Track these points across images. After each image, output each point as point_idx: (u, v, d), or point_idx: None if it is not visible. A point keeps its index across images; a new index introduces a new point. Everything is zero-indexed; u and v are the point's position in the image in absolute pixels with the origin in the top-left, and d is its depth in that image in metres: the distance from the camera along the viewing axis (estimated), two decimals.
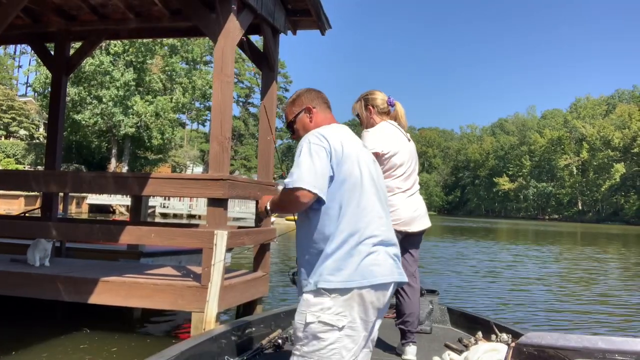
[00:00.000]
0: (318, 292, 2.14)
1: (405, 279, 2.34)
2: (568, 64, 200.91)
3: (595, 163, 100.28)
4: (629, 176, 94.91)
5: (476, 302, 9.79)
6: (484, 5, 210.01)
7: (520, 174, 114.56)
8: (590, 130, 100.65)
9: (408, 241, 3.93)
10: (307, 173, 2.15)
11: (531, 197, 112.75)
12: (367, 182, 2.27)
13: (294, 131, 2.52)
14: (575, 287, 12.87)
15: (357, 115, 4.09)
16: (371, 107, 3.99)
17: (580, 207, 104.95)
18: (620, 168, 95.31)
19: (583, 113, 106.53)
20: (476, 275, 14.12)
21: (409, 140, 4.03)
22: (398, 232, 3.81)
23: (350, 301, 2.13)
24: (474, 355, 3.54)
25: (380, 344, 4.23)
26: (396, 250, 2.32)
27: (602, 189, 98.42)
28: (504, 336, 4.13)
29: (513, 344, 2.18)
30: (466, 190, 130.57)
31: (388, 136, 3.87)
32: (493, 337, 4.22)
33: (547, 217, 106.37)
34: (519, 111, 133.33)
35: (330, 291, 2.13)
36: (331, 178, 2.20)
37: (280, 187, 2.45)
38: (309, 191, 2.13)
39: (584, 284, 13.55)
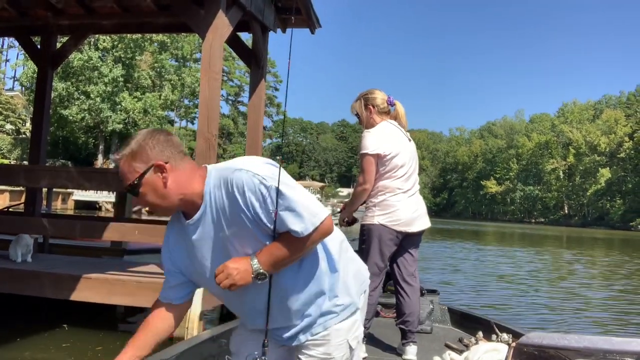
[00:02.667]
0: (352, 311, 1.93)
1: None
2: (557, 68, 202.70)
3: (581, 167, 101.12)
4: (614, 181, 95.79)
5: (476, 302, 9.82)
6: (474, 10, 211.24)
7: (507, 177, 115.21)
8: (577, 135, 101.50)
9: (408, 241, 3.92)
10: (312, 202, 1.76)
11: (518, 200, 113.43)
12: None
13: (139, 195, 1.78)
14: (575, 287, 12.95)
15: (357, 114, 4.05)
16: (371, 107, 3.96)
17: (566, 211, 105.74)
18: (606, 173, 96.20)
19: (570, 118, 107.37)
20: (476, 276, 14.19)
21: (410, 140, 4.01)
22: (398, 232, 3.81)
23: (364, 307, 2.06)
24: (474, 355, 3.54)
25: (381, 344, 4.23)
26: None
27: (588, 194, 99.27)
28: (505, 336, 4.13)
29: (514, 344, 2.17)
30: (454, 193, 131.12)
31: (389, 137, 3.84)
32: (494, 337, 4.23)
33: (533, 220, 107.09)
34: (508, 115, 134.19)
35: (357, 309, 1.96)
36: None
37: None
38: (330, 214, 1.79)
39: (584, 283, 13.65)
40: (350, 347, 1.91)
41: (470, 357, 3.57)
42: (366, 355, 3.87)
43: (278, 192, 1.69)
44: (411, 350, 3.91)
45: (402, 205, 3.82)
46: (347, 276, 1.94)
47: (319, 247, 1.86)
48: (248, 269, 1.74)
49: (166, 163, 1.76)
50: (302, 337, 1.89)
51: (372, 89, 4.06)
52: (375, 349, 4.12)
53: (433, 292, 5.23)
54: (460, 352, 4.00)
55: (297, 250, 1.76)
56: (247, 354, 1.90)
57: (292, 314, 1.87)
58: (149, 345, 1.93)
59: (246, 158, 1.84)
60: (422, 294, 4.97)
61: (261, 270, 1.75)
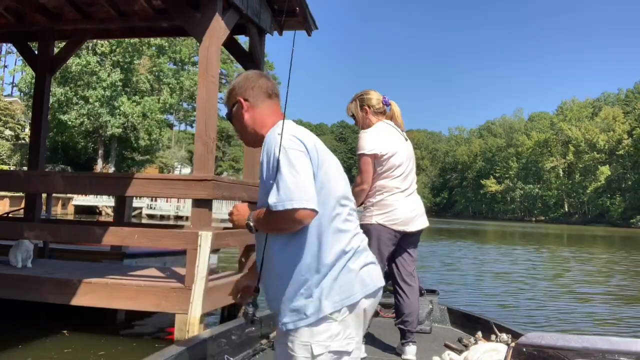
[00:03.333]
0: (322, 319, 1.91)
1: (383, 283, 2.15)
2: (555, 67, 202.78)
3: (581, 165, 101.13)
4: (614, 178, 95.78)
5: (476, 302, 9.82)
6: (472, 10, 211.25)
7: (507, 176, 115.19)
8: (577, 133, 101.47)
9: (406, 241, 3.93)
10: (298, 188, 1.83)
11: (518, 199, 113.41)
12: (340, 188, 2.04)
13: (233, 123, 2.21)
14: (575, 287, 12.94)
15: (352, 115, 4.06)
16: (367, 107, 3.97)
17: (566, 209, 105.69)
18: (605, 170, 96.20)
19: (569, 116, 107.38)
20: (476, 276, 14.18)
21: (406, 139, 4.02)
22: (396, 232, 3.81)
23: (357, 317, 1.97)
24: (473, 355, 3.54)
25: (380, 344, 4.24)
26: (372, 256, 2.12)
27: (588, 191, 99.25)
28: (504, 336, 4.15)
29: (513, 344, 2.17)
30: (454, 192, 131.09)
31: (385, 137, 3.85)
32: (493, 337, 4.24)
33: (533, 219, 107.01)
34: (507, 114, 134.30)
35: (337, 313, 1.92)
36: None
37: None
38: (311, 210, 1.82)
39: (585, 283, 13.65)
40: (313, 352, 1.90)
41: (469, 357, 3.57)
42: (366, 355, 3.87)
43: (279, 164, 1.87)
44: (410, 350, 3.91)
45: (400, 205, 3.83)
46: (333, 283, 1.93)
47: (314, 242, 1.92)
48: (245, 215, 2.02)
49: (245, 100, 2.12)
50: (280, 324, 1.99)
51: (367, 90, 4.07)
52: (374, 349, 4.13)
53: (432, 292, 5.24)
54: (459, 352, 4.00)
55: (267, 220, 1.91)
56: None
57: (271, 289, 2.01)
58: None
59: (293, 127, 2.01)
60: (421, 294, 4.96)
61: (250, 222, 1.99)
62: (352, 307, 1.94)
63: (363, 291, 1.97)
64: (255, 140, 2.15)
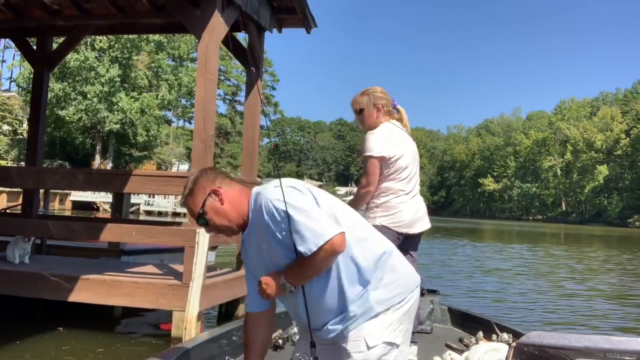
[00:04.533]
0: (374, 316, 2.04)
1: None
2: (553, 66, 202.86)
3: (578, 164, 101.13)
4: (611, 178, 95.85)
5: (476, 302, 9.83)
6: (471, 8, 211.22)
7: (505, 174, 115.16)
8: (574, 132, 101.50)
9: (407, 242, 3.90)
10: (319, 223, 1.93)
11: (515, 197, 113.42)
12: (343, 210, 2.13)
13: (208, 223, 2.12)
14: (574, 287, 12.97)
15: (359, 110, 3.93)
16: (379, 106, 3.90)
17: (564, 208, 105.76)
18: (603, 170, 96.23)
19: (567, 115, 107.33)
20: (476, 276, 14.18)
21: (412, 140, 3.98)
22: (399, 234, 3.78)
23: (405, 313, 2.10)
24: (474, 355, 3.54)
25: None
26: (400, 253, 2.25)
27: (586, 191, 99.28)
28: (505, 336, 4.14)
29: (514, 344, 2.18)
30: (452, 191, 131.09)
31: (393, 138, 3.80)
32: (494, 336, 4.23)
33: (531, 217, 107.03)
34: (505, 112, 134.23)
35: (388, 309, 2.06)
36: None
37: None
38: (341, 234, 1.93)
39: (583, 283, 13.69)
40: (367, 344, 2.02)
41: (470, 357, 3.57)
42: None
43: (289, 216, 1.93)
44: (411, 351, 3.86)
45: (405, 207, 3.80)
46: (377, 284, 2.05)
47: (349, 261, 2.03)
48: (277, 282, 2.03)
49: (219, 188, 2.09)
50: (330, 333, 2.09)
51: (375, 87, 3.98)
52: None
53: (433, 292, 5.23)
54: (460, 352, 4.00)
55: (310, 267, 1.98)
56: (298, 353, 2.13)
57: (323, 316, 2.08)
58: (262, 355, 2.21)
59: (273, 183, 2.06)
60: (422, 294, 4.95)
61: (287, 283, 2.02)
62: (400, 303, 2.07)
63: (406, 289, 2.10)
64: (239, 222, 2.12)
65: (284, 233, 1.96)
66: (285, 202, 1.93)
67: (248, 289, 2.22)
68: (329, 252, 1.93)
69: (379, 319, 2.04)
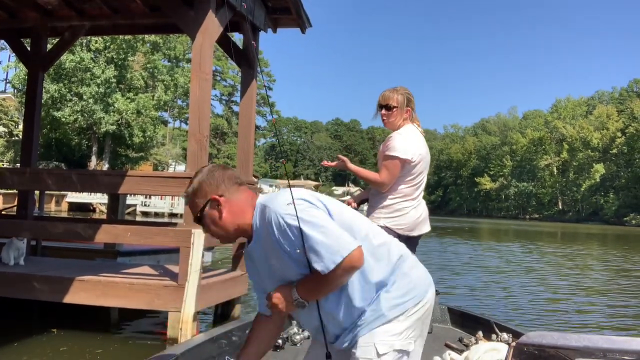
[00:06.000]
0: (386, 322, 2.00)
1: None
2: (549, 65, 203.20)
3: (575, 163, 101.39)
4: (607, 176, 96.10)
5: (476, 302, 9.82)
6: (466, 7, 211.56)
7: (501, 173, 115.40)
8: (571, 131, 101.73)
9: (407, 244, 3.90)
10: (335, 239, 1.85)
11: (512, 196, 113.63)
12: (358, 219, 2.08)
13: (204, 227, 2.08)
14: (574, 286, 12.99)
15: (391, 107, 3.84)
16: (410, 109, 3.87)
17: (560, 207, 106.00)
18: (599, 168, 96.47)
19: (563, 114, 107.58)
20: (476, 276, 14.18)
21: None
22: (400, 236, 3.76)
23: (417, 319, 2.07)
24: (474, 355, 3.53)
25: None
26: (415, 258, 2.22)
27: (582, 189, 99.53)
28: (505, 336, 4.13)
29: (514, 344, 2.17)
30: (448, 190, 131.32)
31: (418, 143, 3.79)
32: (494, 336, 4.22)
33: (527, 216, 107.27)
34: (501, 111, 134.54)
35: (400, 316, 2.01)
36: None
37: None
38: (358, 248, 1.86)
39: (583, 283, 13.70)
40: (378, 351, 1.96)
41: (470, 357, 3.57)
42: None
43: (302, 233, 1.84)
44: None
45: (410, 211, 3.80)
46: (390, 289, 2.02)
47: (365, 270, 1.96)
48: (289, 298, 1.95)
49: (220, 197, 1.99)
50: (344, 343, 2.05)
51: (407, 89, 3.94)
52: None
53: None
54: (460, 351, 3.99)
55: (326, 284, 1.91)
56: None
57: (337, 327, 2.04)
58: (260, 355, 2.18)
59: (281, 195, 1.95)
60: None
61: (300, 300, 1.95)
62: (412, 309, 2.03)
63: (420, 294, 2.06)
64: (236, 234, 2.05)
65: (297, 251, 1.87)
66: (297, 218, 1.83)
67: (257, 292, 2.18)
68: (347, 269, 1.86)
69: (391, 325, 1.99)
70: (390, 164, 3.72)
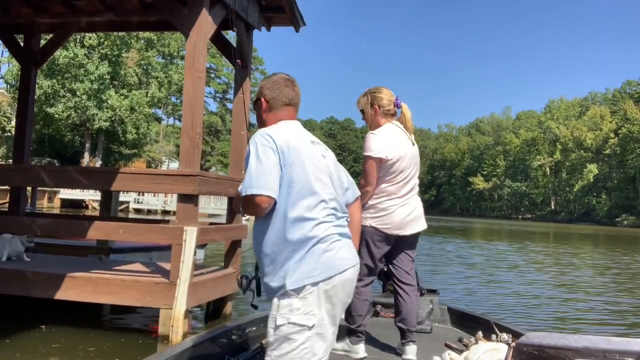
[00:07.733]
0: (286, 294, 2.14)
1: (357, 260, 2.35)
2: (543, 66, 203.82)
3: (568, 164, 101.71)
4: (600, 177, 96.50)
5: (477, 302, 9.85)
6: (461, 8, 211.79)
7: (494, 173, 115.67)
8: (564, 132, 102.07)
9: (402, 243, 3.92)
10: (258, 177, 2.14)
11: (505, 196, 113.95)
12: (315, 181, 2.23)
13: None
14: (574, 286, 13.03)
15: (361, 110, 3.96)
16: (377, 107, 3.88)
17: (553, 207, 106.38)
18: (593, 169, 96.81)
19: (557, 114, 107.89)
20: (476, 275, 14.18)
21: (414, 144, 3.96)
22: (390, 235, 3.80)
23: (318, 298, 2.14)
24: (474, 355, 3.53)
25: (380, 344, 4.23)
26: (348, 240, 2.32)
27: (575, 190, 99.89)
28: (505, 336, 4.14)
29: (513, 344, 2.19)
30: (442, 190, 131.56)
31: (393, 141, 3.79)
32: (493, 336, 4.23)
33: (520, 216, 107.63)
34: (495, 112, 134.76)
35: (297, 291, 2.13)
36: (281, 179, 2.17)
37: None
38: (267, 196, 2.13)
39: (583, 283, 13.74)
40: (276, 323, 2.13)
41: (470, 357, 3.56)
42: (366, 355, 3.88)
43: (247, 156, 2.22)
44: (411, 350, 3.89)
45: (396, 210, 3.81)
46: (297, 265, 2.15)
47: (279, 225, 2.17)
48: (238, 194, 2.28)
49: (266, 102, 2.43)
50: (270, 294, 2.26)
51: (381, 87, 3.97)
52: (374, 349, 4.11)
53: (433, 291, 5.22)
54: (460, 352, 3.98)
55: (238, 201, 2.29)
56: None
57: (261, 268, 2.29)
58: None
59: (273, 127, 2.33)
60: (421, 294, 4.95)
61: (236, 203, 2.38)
62: (312, 287, 2.14)
63: (324, 274, 2.16)
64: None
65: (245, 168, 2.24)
66: (255, 145, 2.19)
67: None
68: (249, 203, 2.16)
69: (290, 300, 2.13)
70: (365, 164, 3.79)
